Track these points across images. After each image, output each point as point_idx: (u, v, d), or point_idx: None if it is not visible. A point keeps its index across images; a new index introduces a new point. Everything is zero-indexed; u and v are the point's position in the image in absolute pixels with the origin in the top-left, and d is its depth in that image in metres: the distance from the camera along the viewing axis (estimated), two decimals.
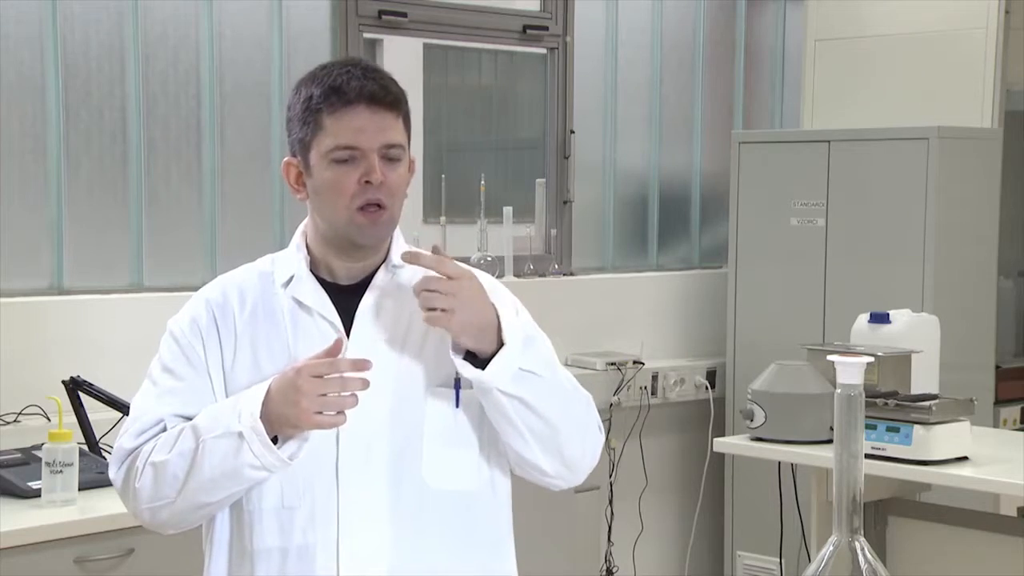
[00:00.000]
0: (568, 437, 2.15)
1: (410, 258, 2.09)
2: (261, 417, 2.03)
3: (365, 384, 2.03)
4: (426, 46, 6.34)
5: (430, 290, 2.04)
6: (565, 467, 2.17)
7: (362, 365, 2.03)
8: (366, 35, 4.73)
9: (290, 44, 4.40)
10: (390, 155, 2.12)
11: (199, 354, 2.16)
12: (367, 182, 2.10)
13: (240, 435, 2.02)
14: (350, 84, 2.10)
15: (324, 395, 2.01)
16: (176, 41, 4.20)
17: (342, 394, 2.01)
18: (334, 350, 2.04)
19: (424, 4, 4.83)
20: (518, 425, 2.10)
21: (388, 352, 2.13)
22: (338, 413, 2.02)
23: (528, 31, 5.13)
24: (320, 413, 2.01)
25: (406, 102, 2.17)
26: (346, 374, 2.02)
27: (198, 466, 2.05)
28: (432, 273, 2.05)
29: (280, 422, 2.03)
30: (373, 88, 2.11)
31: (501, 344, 2.06)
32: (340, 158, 2.10)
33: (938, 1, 5.45)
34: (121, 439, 2.16)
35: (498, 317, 2.07)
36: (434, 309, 2.04)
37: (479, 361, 2.06)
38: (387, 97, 2.12)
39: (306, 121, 2.13)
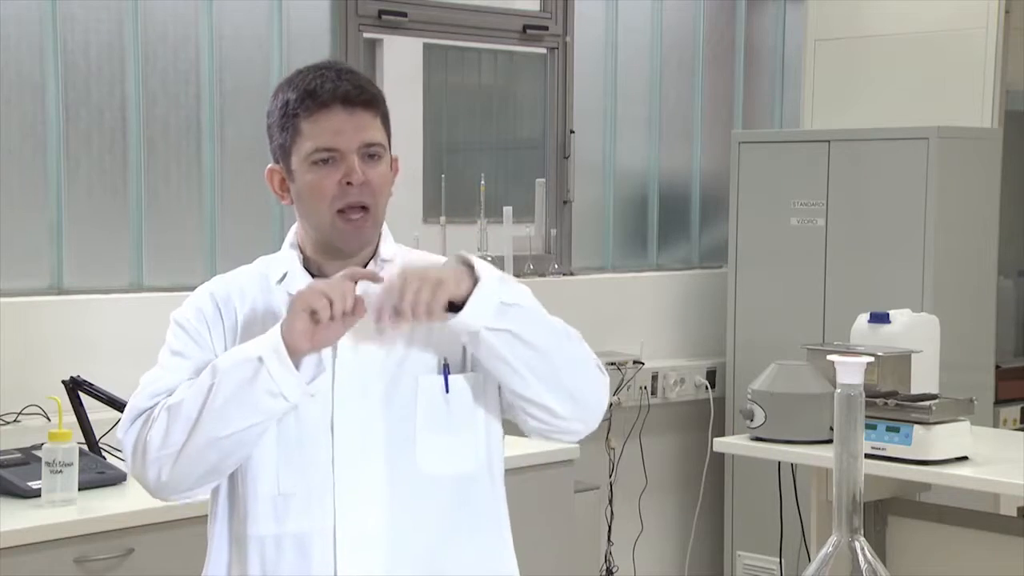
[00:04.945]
0: (567, 368, 2.13)
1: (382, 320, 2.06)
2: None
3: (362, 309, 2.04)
4: (426, 46, 6.36)
5: (403, 311, 2.02)
6: (574, 403, 2.14)
7: (375, 277, 2.06)
8: (366, 35, 4.73)
9: (290, 44, 4.41)
10: (370, 153, 2.13)
11: (206, 338, 2.17)
12: (348, 183, 2.11)
13: (260, 359, 2.03)
14: (324, 87, 2.12)
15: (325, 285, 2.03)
16: (176, 41, 4.19)
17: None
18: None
19: (424, 4, 4.83)
20: (513, 362, 2.08)
21: (379, 343, 2.13)
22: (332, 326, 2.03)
23: (528, 31, 5.13)
24: (316, 298, 2.01)
25: (383, 101, 2.18)
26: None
27: (213, 397, 2.05)
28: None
29: (284, 329, 2.03)
30: (347, 88, 2.12)
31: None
32: (319, 159, 2.12)
33: (938, 1, 5.45)
34: (134, 400, 2.16)
35: (468, 264, 2.07)
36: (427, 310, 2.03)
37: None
38: (361, 96, 2.14)
39: (284, 127, 2.14)
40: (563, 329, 2.16)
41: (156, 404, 2.12)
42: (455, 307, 2.04)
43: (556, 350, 2.12)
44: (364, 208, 2.13)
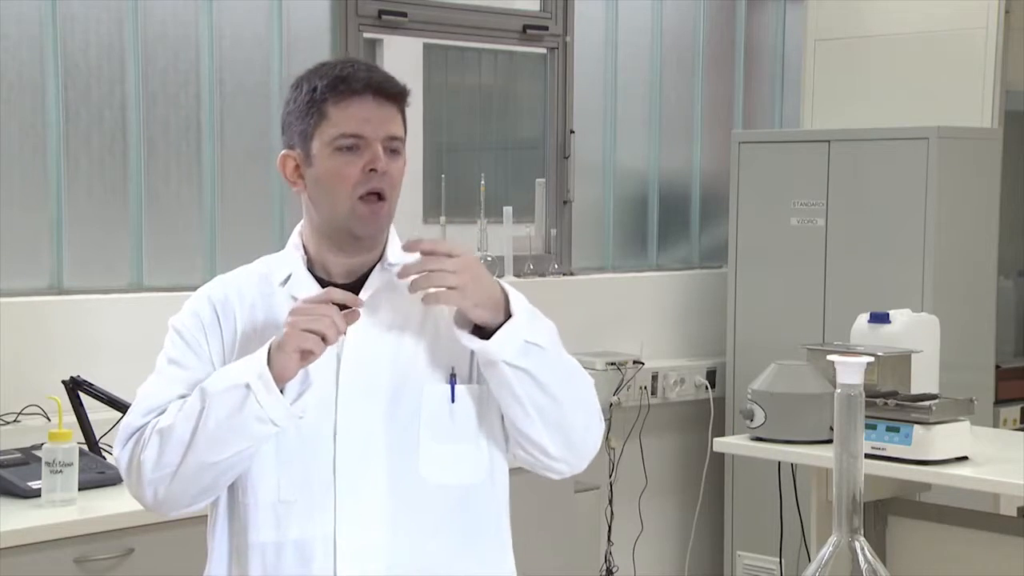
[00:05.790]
0: (572, 415, 2.14)
1: (411, 246, 2.06)
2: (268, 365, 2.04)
3: (353, 316, 2.05)
4: (426, 46, 6.34)
5: (433, 270, 2.03)
6: (568, 449, 2.16)
7: (354, 301, 2.06)
8: (366, 35, 4.73)
9: (290, 44, 4.40)
10: (391, 147, 2.14)
11: (203, 345, 2.17)
12: (372, 170, 2.11)
13: (247, 386, 2.03)
14: (357, 75, 2.13)
15: (309, 317, 2.03)
16: (176, 41, 4.19)
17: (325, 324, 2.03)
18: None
19: (424, 4, 4.83)
20: (523, 400, 2.09)
21: (384, 349, 2.14)
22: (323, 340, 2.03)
23: (528, 31, 5.13)
24: (305, 339, 2.02)
25: (406, 99, 2.18)
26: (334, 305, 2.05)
27: (203, 423, 2.05)
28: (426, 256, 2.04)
29: (273, 359, 2.03)
30: (380, 79, 2.14)
31: (507, 317, 2.06)
32: (344, 146, 2.11)
33: (938, 1, 5.45)
34: (128, 418, 2.16)
35: (504, 291, 2.08)
36: (441, 288, 2.03)
37: (485, 334, 2.06)
38: (393, 89, 2.15)
39: (309, 112, 2.13)
40: (576, 372, 2.17)
41: (147, 424, 2.12)
42: (482, 333, 2.05)
43: (566, 398, 2.13)
44: (381, 197, 2.13)
